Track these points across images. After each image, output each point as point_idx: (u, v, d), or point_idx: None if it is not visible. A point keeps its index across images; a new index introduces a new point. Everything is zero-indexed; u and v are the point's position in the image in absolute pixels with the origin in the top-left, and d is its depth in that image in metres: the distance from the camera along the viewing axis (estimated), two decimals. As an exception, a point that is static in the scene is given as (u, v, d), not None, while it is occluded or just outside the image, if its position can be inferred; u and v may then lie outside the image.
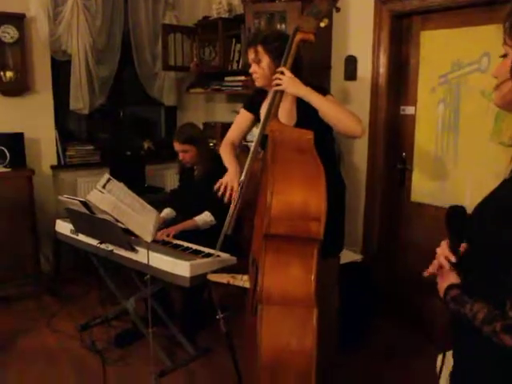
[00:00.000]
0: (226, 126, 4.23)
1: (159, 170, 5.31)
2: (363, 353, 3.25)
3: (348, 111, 2.32)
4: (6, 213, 4.00)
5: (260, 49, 2.43)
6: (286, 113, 2.41)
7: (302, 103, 2.34)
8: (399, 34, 3.49)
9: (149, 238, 2.60)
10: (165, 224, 3.42)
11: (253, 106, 2.67)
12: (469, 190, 3.17)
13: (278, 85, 2.24)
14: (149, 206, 2.85)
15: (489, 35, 2.90)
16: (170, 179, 5.28)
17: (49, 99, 4.58)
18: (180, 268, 2.69)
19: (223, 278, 2.34)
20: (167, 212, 3.58)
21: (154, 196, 4.43)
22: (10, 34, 4.18)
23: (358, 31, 3.67)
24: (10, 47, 4.24)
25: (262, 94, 2.61)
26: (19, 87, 4.35)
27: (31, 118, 4.46)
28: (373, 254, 3.72)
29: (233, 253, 2.90)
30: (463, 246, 1.34)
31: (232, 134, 2.75)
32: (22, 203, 4.09)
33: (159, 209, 3.32)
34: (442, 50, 3.24)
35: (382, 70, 3.52)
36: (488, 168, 3.02)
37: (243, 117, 2.72)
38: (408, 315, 3.61)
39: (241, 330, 2.47)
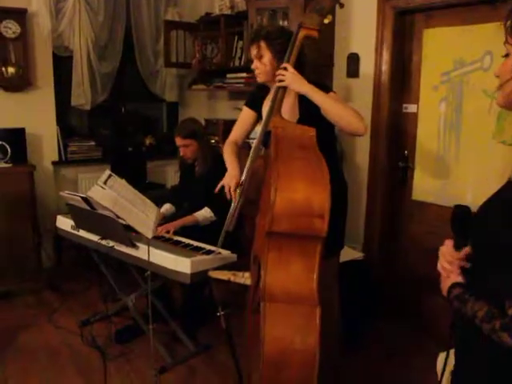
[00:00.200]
0: (228, 123, 4.23)
1: (160, 167, 5.31)
2: (363, 352, 3.25)
3: (350, 109, 2.31)
4: (7, 208, 4.00)
5: (262, 44, 2.42)
6: (289, 109, 2.40)
7: (304, 100, 2.33)
8: (402, 32, 3.48)
9: (150, 235, 2.59)
10: (164, 220, 3.42)
11: (255, 103, 2.66)
12: (471, 189, 3.16)
13: (280, 81, 2.23)
14: (150, 202, 2.85)
15: (492, 33, 2.89)
16: (171, 176, 5.28)
17: (50, 95, 4.57)
18: (181, 264, 2.69)
19: (224, 275, 2.34)
20: (167, 208, 3.58)
21: (155, 192, 4.42)
22: (11, 29, 4.18)
23: (360, 28, 3.66)
24: (11, 42, 4.23)
25: (263, 90, 2.60)
26: (21, 83, 4.35)
27: (33, 113, 4.46)
28: (374, 252, 3.71)
29: (233, 250, 2.90)
30: (468, 246, 1.34)
31: (235, 134, 2.73)
32: (23, 199, 4.09)
33: (160, 205, 3.32)
34: (444, 48, 3.23)
35: (385, 67, 3.51)
36: (490, 167, 3.01)
37: (246, 115, 2.70)
38: (409, 314, 3.60)
39: (241, 327, 2.47)
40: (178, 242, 3.10)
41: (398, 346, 3.35)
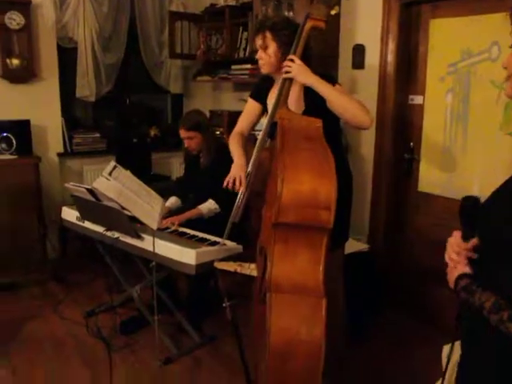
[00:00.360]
0: (233, 115, 4.22)
1: (165, 158, 5.31)
2: (368, 343, 3.25)
3: (356, 101, 2.30)
4: (13, 200, 4.01)
5: (268, 35, 2.41)
6: (294, 101, 2.39)
7: (309, 92, 2.31)
8: (408, 23, 3.45)
9: (155, 226, 2.60)
10: (170, 213, 3.41)
11: (260, 95, 2.65)
12: (477, 181, 3.15)
13: (287, 72, 2.22)
14: (155, 194, 2.86)
15: (499, 24, 2.85)
16: (176, 167, 5.28)
17: (55, 86, 4.57)
18: (186, 256, 2.70)
19: (230, 266, 2.34)
20: (172, 201, 3.57)
21: (160, 184, 4.41)
22: (16, 20, 4.16)
23: (366, 19, 3.63)
24: (16, 34, 4.21)
25: (268, 81, 2.59)
26: (25, 74, 4.34)
27: (37, 105, 4.46)
28: (379, 244, 3.71)
29: (239, 241, 2.90)
30: (475, 237, 1.33)
31: (241, 125, 2.73)
32: (29, 190, 4.09)
33: (165, 197, 3.32)
34: (451, 38, 3.21)
35: (391, 58, 3.49)
36: (497, 158, 2.99)
37: (251, 106, 2.69)
38: (414, 306, 3.60)
39: (247, 319, 2.47)
40: (183, 234, 3.10)
41: (403, 337, 3.35)
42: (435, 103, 3.36)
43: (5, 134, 4.13)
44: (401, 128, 3.58)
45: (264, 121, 2.47)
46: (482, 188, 3.08)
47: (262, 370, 1.86)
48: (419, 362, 2.98)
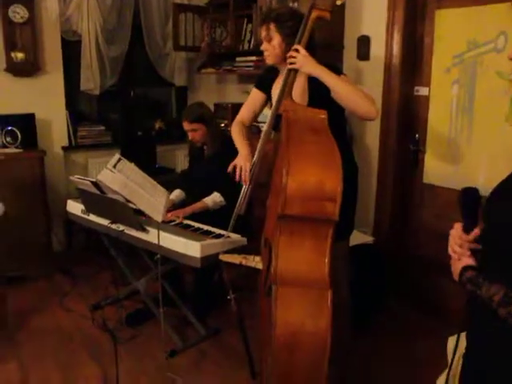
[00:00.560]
0: (238, 107, 4.19)
1: (170, 151, 5.31)
2: (373, 335, 3.25)
3: (362, 92, 2.28)
4: (18, 193, 4.01)
5: (272, 27, 2.39)
6: (299, 92, 2.37)
7: (314, 82, 2.30)
8: (414, 13, 3.42)
9: (159, 218, 2.59)
10: (174, 206, 3.41)
11: (264, 85, 2.64)
12: (483, 172, 3.13)
13: (292, 63, 2.21)
14: (159, 186, 2.85)
15: (505, 14, 2.83)
16: (181, 160, 5.28)
17: (59, 80, 4.57)
18: (191, 248, 2.70)
19: (235, 259, 2.34)
20: (176, 194, 3.56)
21: (165, 177, 4.42)
22: (19, 13, 4.15)
23: (371, 10, 3.60)
24: (20, 27, 4.21)
25: (272, 72, 2.58)
26: (30, 68, 4.33)
27: (42, 98, 4.45)
28: (384, 235, 3.70)
29: (244, 234, 2.90)
30: (477, 228, 1.33)
31: (243, 114, 2.72)
32: (34, 184, 4.10)
33: (170, 190, 3.31)
34: (457, 28, 3.18)
35: (396, 49, 3.46)
36: (503, 150, 2.97)
37: (255, 96, 2.68)
38: (419, 298, 3.59)
39: (252, 311, 2.47)
40: (187, 226, 3.10)
41: (408, 329, 3.35)
42: (441, 94, 3.34)
43: (10, 128, 4.14)
44: (406, 119, 3.56)
45: (268, 112, 2.46)
46: (488, 179, 3.06)
47: (268, 362, 1.86)
48: (424, 354, 2.98)
